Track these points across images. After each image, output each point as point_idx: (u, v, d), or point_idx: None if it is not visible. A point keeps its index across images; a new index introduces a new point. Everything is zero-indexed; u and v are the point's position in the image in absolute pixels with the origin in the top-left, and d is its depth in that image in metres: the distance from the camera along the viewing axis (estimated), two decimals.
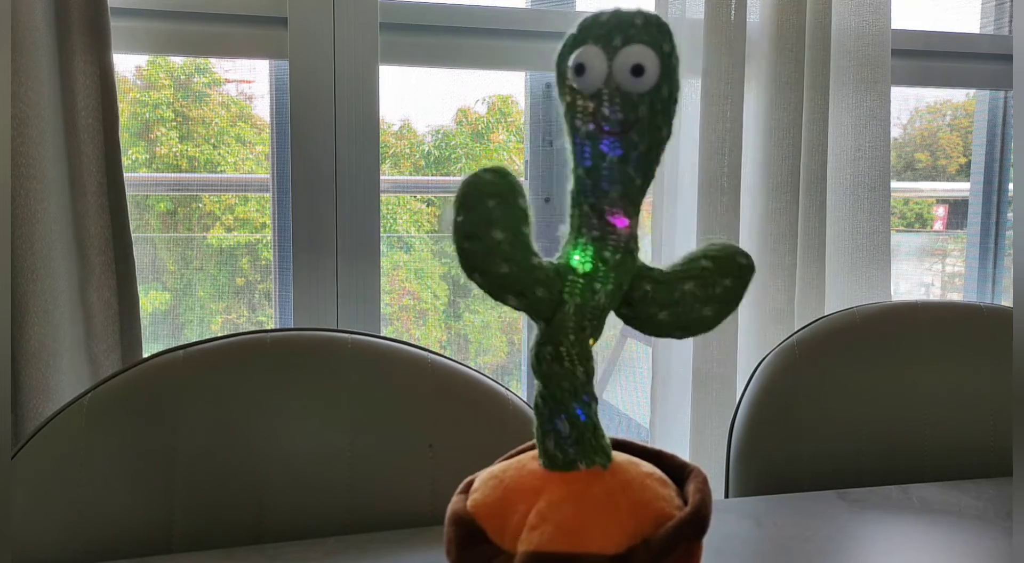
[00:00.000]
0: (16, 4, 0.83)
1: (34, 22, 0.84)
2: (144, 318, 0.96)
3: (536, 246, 0.36)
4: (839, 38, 1.15)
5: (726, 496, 0.81)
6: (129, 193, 0.93)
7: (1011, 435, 0.83)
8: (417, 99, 1.30)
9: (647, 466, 0.37)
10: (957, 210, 1.60)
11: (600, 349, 0.66)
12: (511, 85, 1.38)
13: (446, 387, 0.69)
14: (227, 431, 0.65)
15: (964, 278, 1.48)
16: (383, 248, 1.09)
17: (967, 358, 0.85)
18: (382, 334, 0.76)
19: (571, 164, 0.36)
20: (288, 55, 1.03)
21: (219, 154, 1.27)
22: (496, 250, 0.34)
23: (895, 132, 1.51)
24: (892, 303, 0.87)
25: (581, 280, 0.35)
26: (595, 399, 0.36)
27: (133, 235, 0.93)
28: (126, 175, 0.93)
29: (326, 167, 1.05)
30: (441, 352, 0.70)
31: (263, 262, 1.29)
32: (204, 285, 1.27)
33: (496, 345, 1.49)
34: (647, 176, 0.36)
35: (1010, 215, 1.41)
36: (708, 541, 0.35)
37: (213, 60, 1.23)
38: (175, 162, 1.24)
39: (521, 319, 1.42)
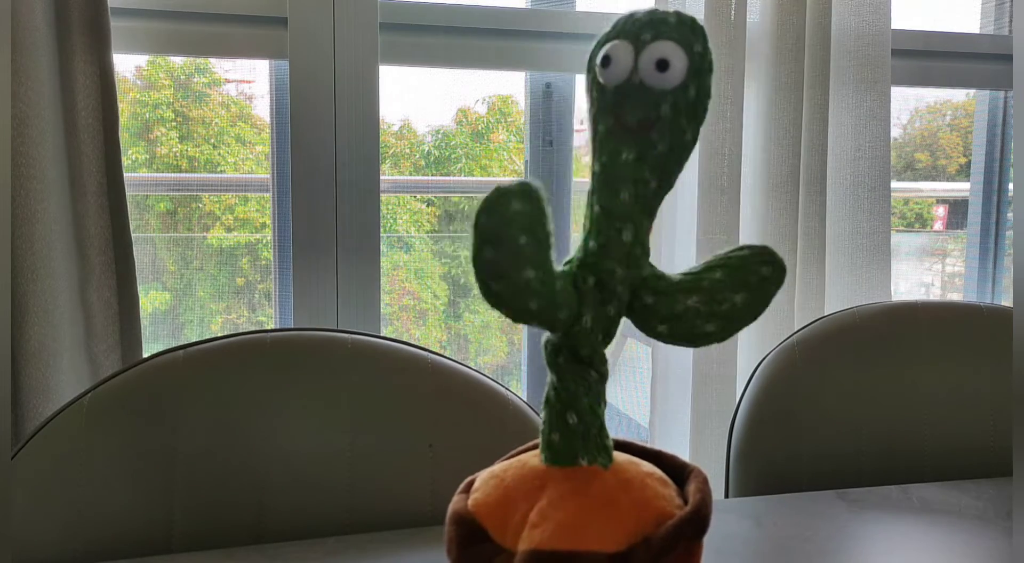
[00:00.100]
0: (16, 4, 0.83)
1: (34, 22, 0.84)
2: (144, 318, 0.96)
3: (554, 260, 0.34)
4: (839, 38, 1.15)
5: (726, 496, 0.81)
6: (129, 193, 0.93)
7: (1011, 435, 0.83)
8: (417, 99, 1.30)
9: (647, 466, 0.37)
10: (957, 210, 1.60)
11: None
12: (511, 85, 1.38)
13: (446, 387, 0.69)
14: (227, 431, 0.65)
15: (964, 278, 1.48)
16: (383, 248, 1.09)
17: (967, 358, 0.85)
18: (382, 334, 0.76)
19: (590, 164, 0.36)
20: (288, 55, 1.03)
21: (219, 154, 1.27)
22: (527, 288, 0.31)
23: (895, 132, 1.51)
24: (892, 303, 0.87)
25: (598, 293, 0.35)
26: (605, 401, 0.36)
27: (133, 235, 0.93)
28: (126, 175, 0.93)
29: (326, 167, 1.05)
30: (441, 352, 0.70)
31: (263, 262, 1.29)
32: (204, 285, 1.27)
33: (496, 345, 1.49)
34: (664, 181, 0.35)
35: (1010, 215, 1.41)
36: (708, 541, 0.35)
37: (213, 60, 1.23)
38: (175, 162, 1.24)
39: None
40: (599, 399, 0.36)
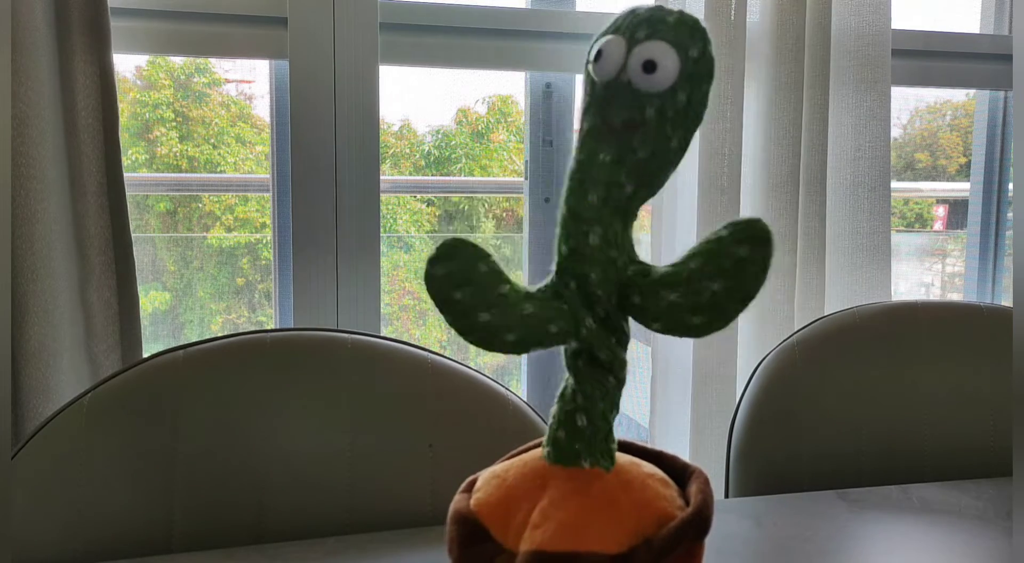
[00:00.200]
0: (16, 4, 0.83)
1: (34, 22, 0.84)
2: (144, 318, 0.96)
3: (523, 284, 0.35)
4: (839, 38, 1.15)
5: (726, 496, 0.81)
6: (129, 193, 0.93)
7: (1011, 435, 0.83)
8: (417, 99, 1.30)
9: (649, 467, 0.37)
10: (957, 210, 1.60)
11: None
12: (511, 85, 1.38)
13: (446, 387, 0.69)
14: (227, 431, 0.65)
15: (964, 278, 1.48)
16: (383, 248, 1.09)
17: (967, 358, 0.85)
18: (382, 334, 0.76)
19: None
20: (288, 55, 1.03)
21: (219, 154, 1.27)
22: (489, 329, 0.34)
23: (895, 132, 1.51)
24: (892, 303, 0.87)
25: (583, 296, 0.34)
26: (617, 408, 0.36)
27: (133, 235, 0.93)
28: (126, 175, 0.93)
29: (326, 167, 1.05)
30: (441, 352, 0.70)
31: (263, 262, 1.29)
32: (204, 285, 1.27)
33: None
34: (642, 188, 0.33)
35: (1010, 215, 1.41)
36: (708, 541, 0.35)
37: (213, 60, 1.23)
38: (175, 162, 1.24)
39: None
40: (613, 406, 0.36)
